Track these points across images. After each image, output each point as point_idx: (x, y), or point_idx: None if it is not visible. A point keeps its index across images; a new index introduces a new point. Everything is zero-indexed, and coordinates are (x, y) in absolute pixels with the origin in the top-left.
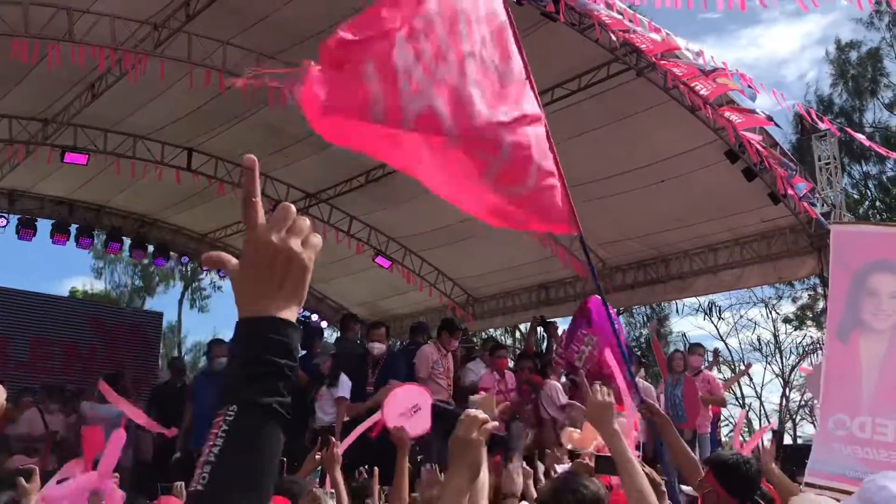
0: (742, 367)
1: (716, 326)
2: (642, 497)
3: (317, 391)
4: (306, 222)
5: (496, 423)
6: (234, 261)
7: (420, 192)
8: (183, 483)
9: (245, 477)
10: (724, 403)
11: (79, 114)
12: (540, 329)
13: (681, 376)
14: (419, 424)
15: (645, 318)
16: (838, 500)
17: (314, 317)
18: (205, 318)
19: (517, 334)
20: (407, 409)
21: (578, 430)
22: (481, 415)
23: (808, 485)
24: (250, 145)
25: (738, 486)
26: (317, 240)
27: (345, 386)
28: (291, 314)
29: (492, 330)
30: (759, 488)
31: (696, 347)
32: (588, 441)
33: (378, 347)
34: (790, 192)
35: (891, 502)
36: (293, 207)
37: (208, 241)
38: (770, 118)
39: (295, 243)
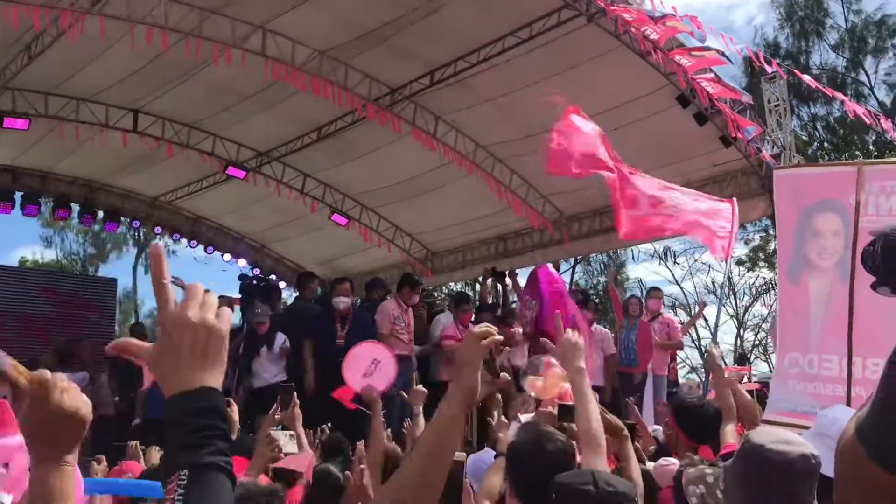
0: (697, 308)
1: (671, 271)
2: (592, 436)
3: (255, 352)
4: (215, 297)
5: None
6: (145, 345)
7: (374, 148)
8: (137, 443)
9: None
10: (680, 347)
11: (16, 77)
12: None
13: (636, 321)
14: (384, 376)
15: (602, 266)
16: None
17: (271, 277)
18: None
19: (477, 287)
20: (367, 367)
21: (541, 378)
22: (485, 328)
23: (765, 422)
24: (197, 104)
25: (693, 428)
26: (227, 312)
27: (279, 341)
28: (216, 381)
29: (452, 284)
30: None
31: (653, 291)
32: (550, 390)
33: (344, 302)
34: (740, 135)
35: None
36: (201, 285)
37: (159, 205)
38: (722, 53)
39: (210, 317)
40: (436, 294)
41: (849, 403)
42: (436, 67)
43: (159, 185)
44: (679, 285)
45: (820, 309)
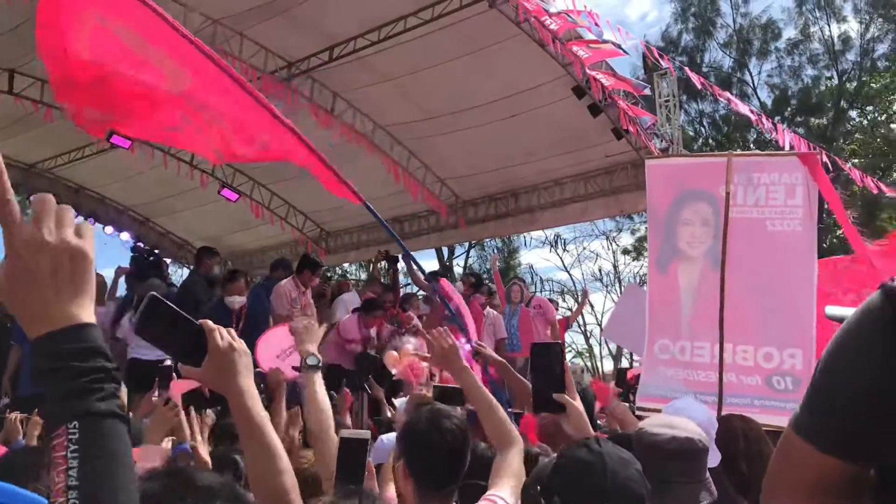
0: (581, 297)
1: (560, 258)
2: (502, 422)
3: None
4: (70, 210)
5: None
6: None
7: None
8: (18, 414)
9: (113, 481)
10: (555, 328)
11: None
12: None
13: (518, 307)
14: (294, 365)
15: (496, 251)
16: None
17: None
18: None
19: (371, 268)
20: (281, 350)
21: (395, 352)
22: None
23: (639, 408)
24: None
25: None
26: (89, 228)
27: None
28: (90, 313)
29: (346, 265)
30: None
31: (514, 280)
32: (401, 361)
33: (239, 301)
34: (632, 128)
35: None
36: (51, 197)
37: (37, 172)
38: (619, 46)
39: (70, 235)
40: (329, 274)
41: (720, 389)
42: (335, 43)
43: (37, 150)
44: (568, 272)
45: (690, 296)
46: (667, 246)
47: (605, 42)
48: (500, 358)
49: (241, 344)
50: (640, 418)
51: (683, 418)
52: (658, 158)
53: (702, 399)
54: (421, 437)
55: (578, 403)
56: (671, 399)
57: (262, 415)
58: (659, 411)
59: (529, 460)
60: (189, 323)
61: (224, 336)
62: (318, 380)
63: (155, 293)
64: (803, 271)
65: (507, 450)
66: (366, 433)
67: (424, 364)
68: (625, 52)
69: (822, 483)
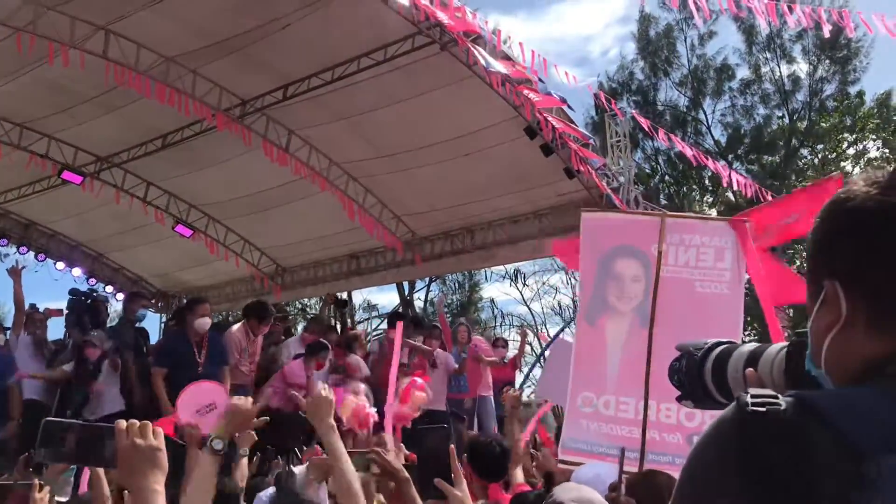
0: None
1: (521, 292)
2: (350, 490)
3: (89, 385)
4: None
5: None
6: None
7: (223, 158)
8: None
9: None
10: (500, 363)
11: None
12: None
13: (465, 347)
14: (212, 424)
15: (457, 285)
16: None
17: (108, 288)
18: None
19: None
20: (202, 406)
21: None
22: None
23: (561, 461)
24: (32, 103)
25: (483, 466)
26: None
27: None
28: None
29: (306, 300)
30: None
31: (460, 322)
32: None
33: (207, 324)
34: (583, 168)
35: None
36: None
37: None
38: (563, 100)
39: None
40: (288, 309)
41: (643, 445)
42: (289, 82)
43: None
44: (528, 306)
45: (616, 352)
46: (596, 299)
47: (552, 95)
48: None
49: (147, 440)
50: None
51: (595, 493)
52: (593, 212)
53: (627, 455)
54: None
55: (460, 491)
56: (595, 454)
57: None
58: (580, 464)
59: None
60: (95, 429)
61: (131, 433)
62: (211, 464)
63: (49, 419)
64: (729, 333)
65: None
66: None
67: (371, 409)
68: (569, 106)
69: None
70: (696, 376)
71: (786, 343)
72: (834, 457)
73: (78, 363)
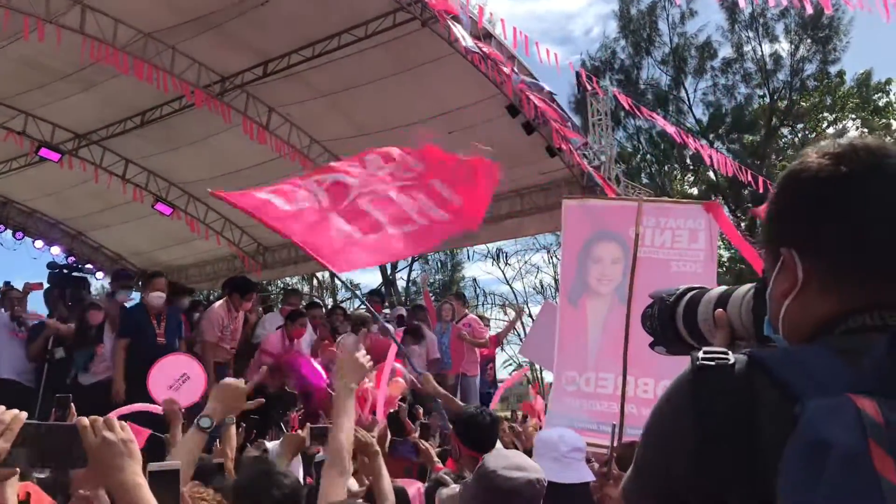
0: (514, 313)
1: (503, 271)
2: (335, 455)
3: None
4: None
5: None
6: None
7: (203, 136)
8: None
9: None
10: (485, 345)
11: None
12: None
13: (448, 325)
14: (190, 393)
15: (440, 264)
16: None
17: (88, 266)
18: None
19: (314, 282)
20: (174, 380)
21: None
22: None
23: None
24: (8, 79)
25: (473, 438)
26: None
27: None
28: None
29: (288, 278)
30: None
31: (445, 299)
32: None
33: (160, 297)
34: (565, 146)
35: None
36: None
37: None
38: (550, 93)
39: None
40: (270, 288)
41: (622, 420)
42: (269, 59)
43: None
44: (510, 285)
45: (597, 331)
46: (578, 281)
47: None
48: (434, 387)
49: (118, 433)
50: None
51: (525, 458)
52: (574, 198)
53: (604, 429)
54: (250, 500)
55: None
56: (576, 429)
57: None
58: None
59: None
60: (61, 429)
61: (98, 430)
62: (197, 440)
63: (28, 421)
64: None
65: (335, 478)
66: (176, 464)
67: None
68: (553, 95)
69: None
70: (667, 320)
71: (754, 284)
72: (775, 404)
73: (80, 326)
